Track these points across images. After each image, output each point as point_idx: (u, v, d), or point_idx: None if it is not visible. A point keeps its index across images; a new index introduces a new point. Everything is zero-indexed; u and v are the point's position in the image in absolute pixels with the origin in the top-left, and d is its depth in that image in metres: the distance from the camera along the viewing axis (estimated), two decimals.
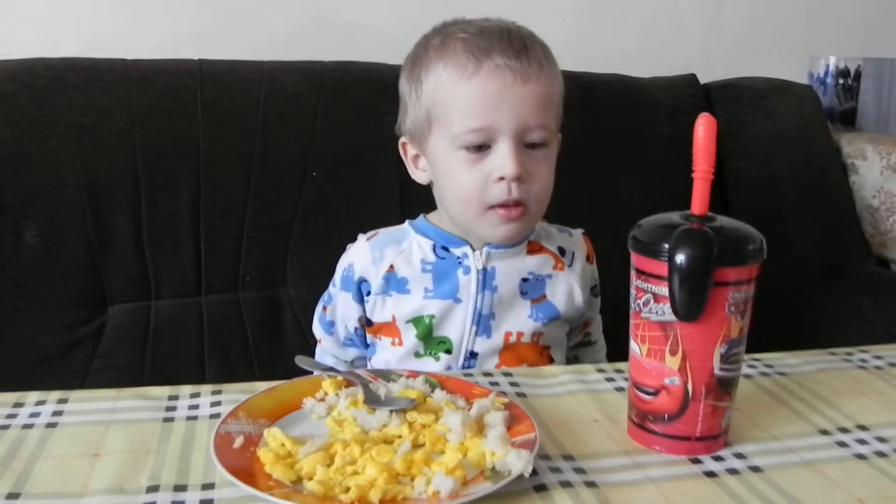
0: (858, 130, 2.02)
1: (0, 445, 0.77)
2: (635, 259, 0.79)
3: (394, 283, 1.14)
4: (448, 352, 1.14)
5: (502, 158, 1.05)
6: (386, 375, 0.88)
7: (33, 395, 0.86)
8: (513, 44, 1.06)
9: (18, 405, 0.84)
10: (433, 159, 1.12)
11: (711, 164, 0.78)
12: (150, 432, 0.80)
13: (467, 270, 1.13)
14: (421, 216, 1.20)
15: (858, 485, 0.75)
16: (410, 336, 1.14)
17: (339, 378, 0.87)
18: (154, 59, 1.52)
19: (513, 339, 1.14)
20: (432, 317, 1.13)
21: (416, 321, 1.13)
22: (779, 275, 1.75)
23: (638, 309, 0.79)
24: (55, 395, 0.86)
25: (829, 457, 0.80)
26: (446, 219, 1.16)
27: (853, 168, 1.87)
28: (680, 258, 0.75)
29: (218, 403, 0.85)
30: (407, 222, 1.20)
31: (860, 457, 0.80)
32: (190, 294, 1.48)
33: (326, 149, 1.54)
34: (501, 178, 1.05)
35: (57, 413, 0.83)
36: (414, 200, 1.49)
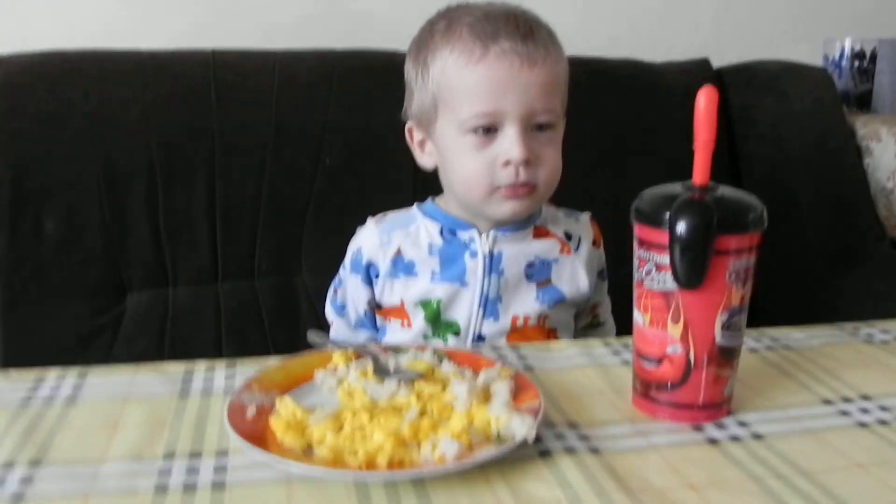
0: (874, 113, 2.02)
1: (22, 418, 0.79)
2: (637, 229, 0.81)
3: (401, 266, 1.16)
4: (456, 334, 1.15)
5: (509, 142, 1.06)
6: (395, 349, 0.90)
7: (53, 372, 0.89)
8: (519, 27, 1.08)
9: (39, 380, 0.87)
10: (440, 144, 1.13)
11: (712, 135, 0.79)
12: (166, 405, 0.82)
13: (474, 254, 1.14)
14: (429, 199, 1.21)
15: (859, 451, 0.76)
16: (419, 319, 1.15)
17: (350, 351, 0.89)
18: (168, 49, 1.54)
19: (520, 322, 1.15)
20: (440, 300, 1.14)
21: (424, 304, 1.15)
22: (794, 257, 1.77)
23: (640, 278, 0.81)
24: (74, 371, 0.89)
25: (831, 425, 0.81)
26: (453, 202, 1.17)
27: (868, 150, 1.87)
28: (680, 227, 0.76)
29: (232, 377, 0.87)
30: (416, 205, 1.21)
31: (862, 425, 0.81)
32: (206, 281, 1.50)
33: (339, 136, 1.55)
34: (508, 163, 1.07)
35: (77, 388, 0.85)
36: (427, 187, 1.51)
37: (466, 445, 0.71)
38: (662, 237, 0.77)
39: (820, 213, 1.82)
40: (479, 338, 1.15)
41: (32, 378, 0.87)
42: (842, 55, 2.06)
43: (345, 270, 1.22)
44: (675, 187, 0.81)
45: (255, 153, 1.51)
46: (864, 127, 1.89)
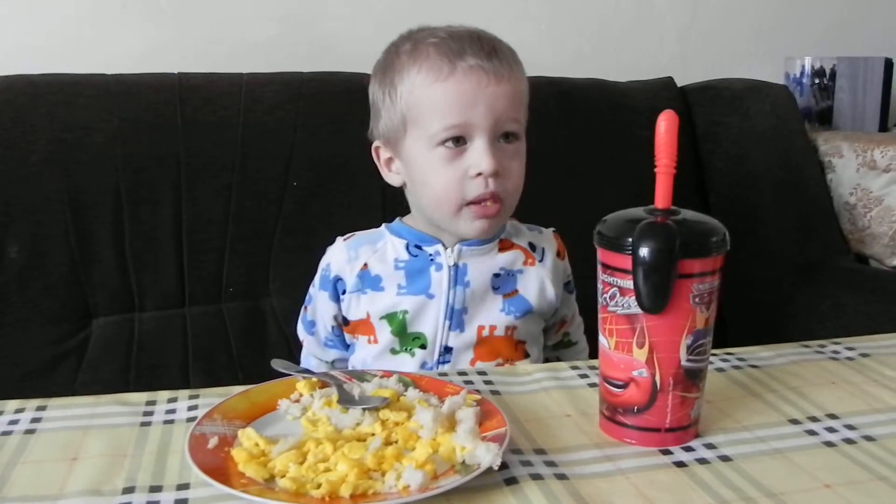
0: (835, 129, 2.04)
1: None
2: (601, 254, 0.81)
3: (368, 280, 1.17)
4: (423, 347, 1.16)
5: (479, 154, 1.08)
6: (360, 376, 0.89)
7: (12, 404, 0.87)
8: (483, 46, 1.10)
9: None
10: (408, 160, 1.15)
11: (673, 159, 0.79)
12: (127, 436, 0.81)
13: (439, 267, 1.16)
14: (397, 219, 1.23)
15: (826, 471, 0.77)
16: (385, 333, 1.16)
17: (314, 379, 0.88)
18: (134, 73, 1.53)
19: (486, 332, 1.17)
20: (405, 312, 1.15)
21: (389, 318, 1.16)
22: (759, 273, 1.78)
23: (605, 303, 0.81)
24: (34, 402, 0.87)
25: (797, 445, 0.82)
26: (420, 219, 1.19)
27: (830, 166, 1.89)
28: (643, 251, 0.76)
29: (195, 407, 0.86)
30: (384, 225, 1.23)
31: (829, 444, 0.82)
32: (173, 306, 1.49)
33: (306, 159, 1.55)
34: (479, 174, 1.09)
35: (35, 420, 0.84)
36: (395, 208, 1.51)
37: (431, 475, 0.71)
38: (625, 262, 0.77)
39: (784, 229, 1.84)
40: (446, 349, 1.16)
41: None
42: (803, 73, 2.08)
43: (314, 288, 1.24)
44: (638, 211, 0.81)
45: (222, 176, 1.51)
46: (825, 143, 1.91)
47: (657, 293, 0.77)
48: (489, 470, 0.72)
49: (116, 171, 1.46)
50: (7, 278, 1.41)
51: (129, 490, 0.71)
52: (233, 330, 1.50)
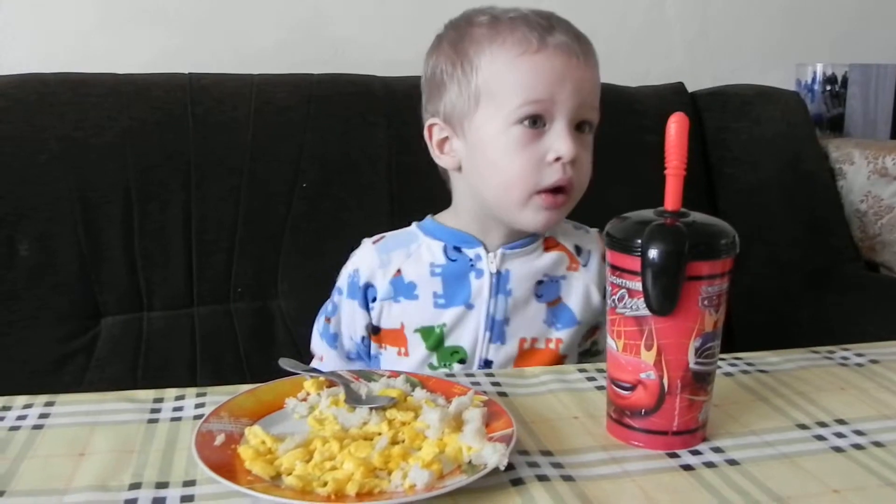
0: (847, 136, 2.04)
1: None
2: (610, 255, 0.80)
3: (401, 288, 1.11)
4: (462, 362, 1.11)
5: (559, 138, 1.03)
6: (367, 375, 0.89)
7: (20, 399, 0.87)
8: (569, 28, 1.06)
9: (6, 409, 0.85)
10: (476, 140, 1.08)
11: (683, 161, 0.79)
12: (134, 433, 0.81)
13: (480, 274, 1.10)
14: (428, 217, 1.17)
15: (834, 476, 0.76)
16: (419, 348, 1.11)
17: (321, 378, 0.88)
18: (145, 73, 1.54)
19: (527, 345, 1.11)
20: (443, 326, 1.10)
21: (425, 332, 1.11)
22: (768, 279, 1.78)
23: (613, 305, 0.80)
24: (42, 398, 0.87)
25: (806, 450, 0.81)
26: (464, 214, 1.13)
27: (841, 173, 1.88)
28: (652, 253, 0.76)
29: (202, 405, 0.86)
30: (414, 224, 1.17)
31: (837, 450, 0.81)
32: (182, 306, 1.49)
33: (316, 161, 1.55)
34: (557, 159, 1.03)
35: (43, 416, 0.84)
36: (403, 211, 1.52)
37: (437, 474, 0.70)
38: (634, 263, 0.77)
39: (794, 236, 1.83)
40: (486, 363, 1.11)
41: None
42: (814, 80, 2.08)
43: (340, 295, 1.17)
44: (648, 213, 0.81)
45: (232, 177, 1.51)
46: (836, 150, 1.91)
47: (666, 295, 0.77)
48: (495, 470, 0.72)
49: (126, 170, 1.46)
50: (17, 276, 1.41)
51: (135, 486, 0.71)
52: (241, 330, 1.50)
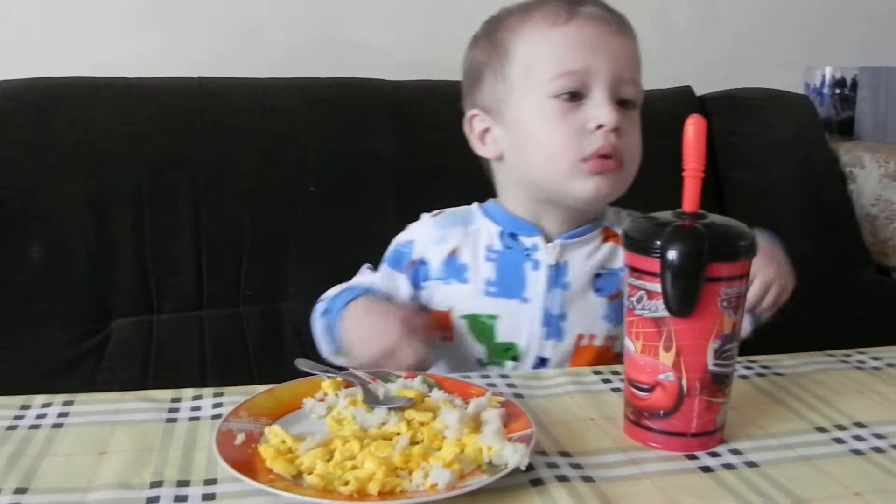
0: (857, 139, 2.04)
1: (7, 445, 0.78)
2: (628, 257, 0.80)
3: (453, 268, 1.08)
4: (515, 359, 1.08)
5: (600, 107, 1.01)
6: (385, 376, 0.89)
7: (40, 398, 0.87)
8: (600, 2, 1.05)
9: (25, 407, 0.85)
10: (515, 122, 1.06)
11: (701, 163, 0.79)
12: (153, 432, 0.81)
13: (536, 265, 1.07)
14: (490, 200, 1.15)
15: (855, 479, 0.76)
16: (466, 335, 1.08)
17: (339, 379, 0.88)
18: (154, 77, 1.54)
19: (584, 342, 1.08)
20: (494, 317, 1.07)
21: (471, 319, 1.08)
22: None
23: (632, 306, 0.80)
24: (61, 397, 0.88)
25: (825, 453, 0.81)
26: (518, 199, 1.11)
27: (851, 177, 1.88)
28: (672, 254, 0.76)
29: (220, 405, 0.86)
30: (475, 204, 1.15)
31: (857, 452, 0.81)
32: (191, 308, 1.49)
33: (323, 164, 1.55)
34: (598, 127, 1.01)
35: (63, 414, 0.84)
36: (411, 214, 1.51)
37: (458, 474, 0.70)
38: (653, 265, 0.77)
39: (805, 240, 1.82)
40: (541, 361, 1.07)
41: (18, 405, 0.86)
42: (823, 83, 2.08)
43: (384, 267, 1.14)
44: (666, 215, 0.81)
45: (241, 180, 1.51)
46: (846, 154, 1.91)
47: (685, 297, 0.77)
48: (515, 471, 0.72)
49: (136, 173, 1.47)
50: (28, 279, 1.41)
51: (157, 484, 0.71)
52: (250, 332, 1.50)
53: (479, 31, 1.13)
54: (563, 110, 1.02)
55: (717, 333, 0.78)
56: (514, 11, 1.08)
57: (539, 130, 1.04)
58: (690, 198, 0.80)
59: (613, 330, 1.09)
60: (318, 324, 1.11)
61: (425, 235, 1.11)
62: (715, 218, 0.80)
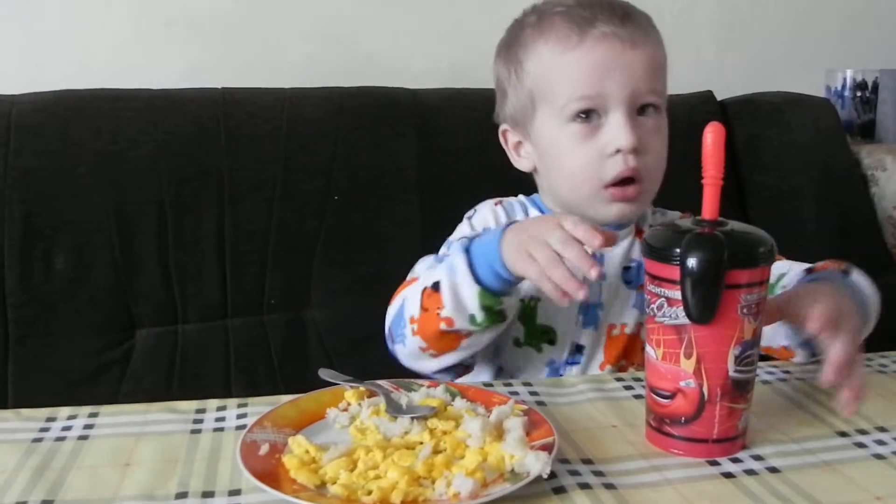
0: (878, 142, 2.02)
1: (33, 457, 0.79)
2: (648, 264, 0.81)
3: None
4: (552, 342, 1.10)
5: (617, 129, 1.01)
6: (407, 385, 0.90)
7: (65, 411, 0.89)
8: (616, 11, 1.04)
9: (51, 419, 0.87)
10: (539, 140, 1.09)
11: (720, 170, 0.79)
12: (178, 443, 0.82)
13: None
14: (536, 195, 1.17)
15: (877, 483, 0.76)
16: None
17: (362, 388, 0.89)
18: (178, 88, 1.56)
19: (616, 331, 1.11)
20: (536, 300, 1.08)
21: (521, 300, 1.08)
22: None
23: (652, 313, 0.81)
24: (86, 409, 0.89)
25: (847, 457, 0.81)
26: (553, 204, 1.13)
27: (873, 179, 1.87)
28: (692, 262, 0.76)
29: (244, 416, 0.87)
30: (521, 196, 1.17)
31: (879, 457, 0.81)
32: (216, 317, 1.50)
33: (347, 173, 1.56)
34: (617, 151, 1.02)
35: (88, 426, 0.85)
36: (434, 222, 1.52)
37: (481, 482, 0.71)
38: (673, 272, 0.77)
39: (826, 243, 1.81)
40: (577, 348, 1.10)
41: (44, 416, 0.87)
42: (844, 86, 2.06)
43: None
44: (685, 222, 0.81)
45: (264, 190, 1.52)
46: (868, 156, 1.90)
47: (705, 304, 0.77)
48: (538, 479, 0.72)
49: (161, 183, 1.48)
50: (53, 289, 1.43)
51: (182, 495, 0.72)
52: (274, 341, 1.51)
53: (502, 41, 1.14)
54: (581, 134, 1.03)
55: (737, 340, 0.79)
56: (530, 24, 1.08)
57: (560, 155, 1.06)
58: (710, 205, 0.80)
59: (642, 317, 1.10)
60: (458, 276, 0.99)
61: (495, 218, 1.13)
62: (734, 225, 0.81)
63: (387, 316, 1.08)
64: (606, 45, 1.02)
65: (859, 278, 0.98)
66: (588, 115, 1.03)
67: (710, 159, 0.80)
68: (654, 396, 0.82)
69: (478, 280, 0.93)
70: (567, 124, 1.04)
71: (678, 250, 0.77)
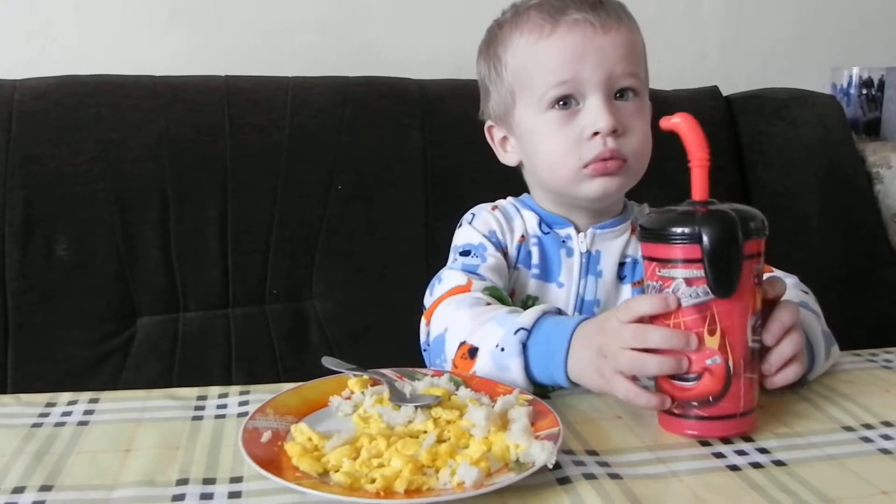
0: (884, 140, 2.02)
1: (33, 442, 0.79)
2: (655, 249, 0.81)
3: (524, 254, 1.11)
4: None
5: (594, 112, 1.02)
6: (411, 374, 0.89)
7: (65, 396, 0.88)
8: (586, 0, 1.04)
9: (51, 405, 0.86)
10: (521, 132, 1.10)
11: (706, 152, 0.81)
12: (179, 430, 0.81)
13: (570, 252, 1.10)
14: (524, 194, 1.17)
15: (882, 478, 0.75)
16: None
17: (365, 377, 0.88)
18: (181, 75, 1.55)
19: None
20: (534, 298, 1.10)
21: (523, 301, 1.10)
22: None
23: None
24: (86, 395, 0.88)
25: (852, 451, 0.81)
26: (544, 197, 1.13)
27: (878, 177, 1.86)
28: (712, 237, 0.77)
29: (245, 403, 0.87)
30: (509, 199, 1.17)
31: (885, 451, 0.81)
32: (217, 306, 1.50)
33: (351, 163, 1.55)
34: (595, 134, 1.02)
35: (88, 412, 0.85)
36: (437, 212, 1.52)
37: (486, 472, 0.70)
38: (690, 252, 0.78)
39: (831, 240, 1.81)
40: None
41: (44, 402, 0.87)
42: (850, 83, 2.06)
43: (483, 249, 1.10)
44: (678, 206, 0.83)
45: (267, 179, 1.51)
46: (873, 154, 1.89)
47: (731, 276, 0.78)
48: (543, 469, 0.72)
49: (163, 171, 1.47)
50: (54, 276, 1.42)
51: (182, 482, 0.72)
52: (276, 331, 1.50)
53: (483, 41, 1.16)
54: (560, 120, 1.04)
55: (753, 309, 0.80)
56: (507, 20, 1.10)
57: (541, 142, 1.07)
58: (700, 187, 0.82)
59: None
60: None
61: (497, 225, 1.12)
62: (723, 204, 0.82)
63: (422, 331, 1.06)
64: (578, 30, 1.03)
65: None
66: (566, 102, 1.04)
67: (694, 144, 0.82)
68: (676, 383, 0.81)
69: (533, 382, 0.91)
70: (546, 112, 1.05)
71: (689, 230, 0.78)
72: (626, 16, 1.07)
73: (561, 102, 1.04)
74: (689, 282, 0.78)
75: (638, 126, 1.06)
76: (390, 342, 1.26)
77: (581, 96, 1.04)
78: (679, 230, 0.79)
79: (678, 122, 0.83)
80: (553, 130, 1.05)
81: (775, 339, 0.84)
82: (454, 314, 0.99)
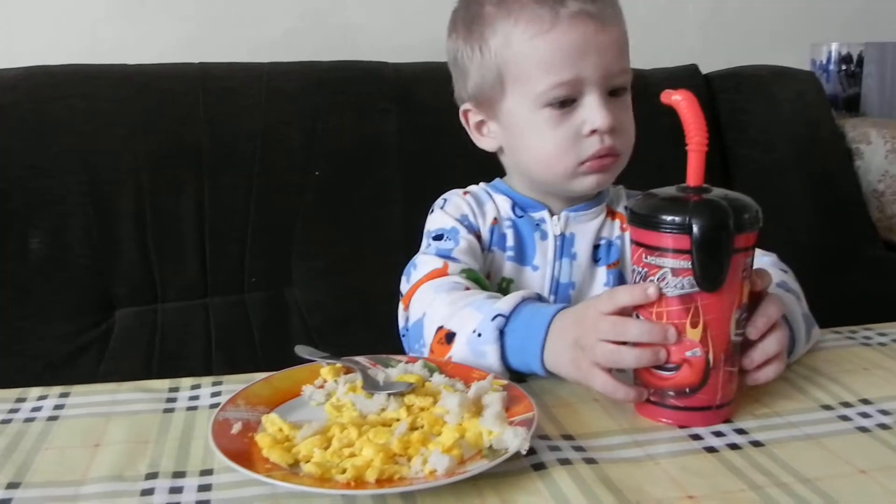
0: (863, 115, 2.02)
1: (1, 439, 0.78)
2: (644, 235, 0.79)
3: (497, 237, 1.10)
4: None
5: (593, 110, 1.00)
6: (385, 361, 0.88)
7: (35, 391, 0.87)
8: None
9: (21, 400, 0.85)
10: (509, 122, 1.07)
11: (704, 136, 0.79)
12: (150, 423, 0.80)
13: (545, 236, 1.09)
14: (497, 179, 1.16)
15: (860, 456, 0.75)
16: None
17: (338, 365, 0.87)
18: (155, 63, 1.53)
19: None
20: (509, 281, 1.09)
21: (501, 282, 1.09)
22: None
23: None
24: (56, 389, 0.87)
25: (831, 430, 0.80)
26: (521, 183, 1.12)
27: (858, 153, 1.86)
28: (702, 229, 0.75)
29: (218, 394, 0.86)
30: (482, 184, 1.15)
31: (862, 430, 0.80)
32: (196, 296, 1.49)
33: (327, 149, 1.54)
34: (593, 132, 1.01)
35: (58, 407, 0.84)
36: (415, 197, 1.50)
37: (458, 459, 0.69)
38: (678, 242, 0.76)
39: (812, 216, 1.81)
40: None
41: (13, 397, 0.86)
42: (829, 59, 2.06)
43: (456, 233, 1.08)
44: (670, 190, 0.80)
45: (244, 166, 1.50)
46: (853, 130, 1.89)
47: (718, 269, 0.77)
48: (517, 455, 0.71)
49: (138, 161, 1.46)
50: (29, 270, 1.41)
51: (152, 476, 0.71)
52: (255, 320, 1.50)
53: (458, 13, 1.11)
54: (556, 118, 1.02)
55: (738, 303, 0.79)
56: (492, 1, 1.05)
57: (533, 137, 1.04)
58: (695, 172, 0.80)
59: None
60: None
61: (469, 209, 1.10)
62: (718, 191, 0.80)
63: (401, 316, 1.05)
64: (580, 26, 1.00)
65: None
66: (564, 102, 1.02)
67: (692, 125, 0.79)
68: (654, 371, 0.80)
69: (509, 369, 0.91)
70: (541, 110, 1.02)
71: (680, 219, 0.76)
72: (617, 6, 1.06)
73: (558, 103, 1.02)
74: (675, 272, 0.77)
75: (627, 122, 1.06)
76: (371, 328, 1.25)
77: (579, 94, 1.01)
78: (669, 218, 0.77)
79: (679, 101, 0.80)
80: (549, 127, 1.02)
81: (759, 335, 0.83)
82: (432, 299, 0.98)
